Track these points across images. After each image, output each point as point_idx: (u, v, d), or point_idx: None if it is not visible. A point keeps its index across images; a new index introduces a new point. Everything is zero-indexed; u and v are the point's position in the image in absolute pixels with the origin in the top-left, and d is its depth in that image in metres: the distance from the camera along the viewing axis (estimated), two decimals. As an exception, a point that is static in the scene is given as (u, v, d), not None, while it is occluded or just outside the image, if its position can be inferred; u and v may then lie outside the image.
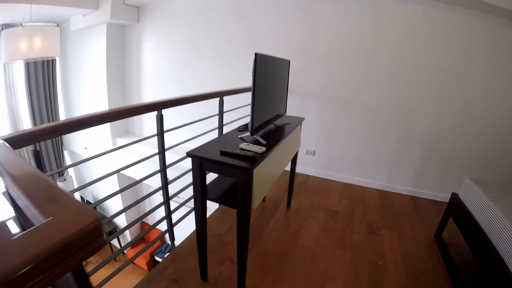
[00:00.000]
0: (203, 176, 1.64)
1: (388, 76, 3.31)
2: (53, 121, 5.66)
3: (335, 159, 3.77)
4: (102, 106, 5.06)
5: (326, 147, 3.78)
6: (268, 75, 1.91)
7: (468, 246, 2.12)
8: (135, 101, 5.17)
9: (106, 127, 5.20)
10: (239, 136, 1.91)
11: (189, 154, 1.57)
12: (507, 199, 2.06)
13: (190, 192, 1.89)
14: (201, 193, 1.67)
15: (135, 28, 4.73)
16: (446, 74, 3.13)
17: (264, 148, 1.63)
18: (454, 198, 2.50)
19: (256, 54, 1.57)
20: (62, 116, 6.01)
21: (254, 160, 1.49)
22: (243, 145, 1.66)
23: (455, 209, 2.46)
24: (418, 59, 3.18)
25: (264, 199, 3.17)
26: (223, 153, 1.56)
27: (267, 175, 1.78)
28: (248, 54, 3.74)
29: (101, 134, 5.29)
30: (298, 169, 3.79)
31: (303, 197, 3.31)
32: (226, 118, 2.86)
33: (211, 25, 4.09)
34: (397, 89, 3.32)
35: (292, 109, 3.60)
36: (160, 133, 1.99)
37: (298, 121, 2.60)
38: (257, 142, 1.77)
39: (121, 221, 6.08)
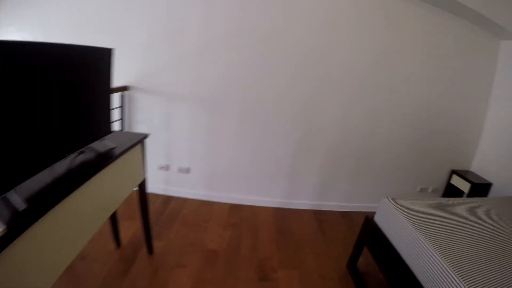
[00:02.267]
0: None
1: (286, 68, 2.54)
2: None
3: (218, 175, 2.87)
4: None
5: (204, 162, 2.85)
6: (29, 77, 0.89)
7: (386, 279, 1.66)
8: None
9: None
10: None
11: None
12: (433, 221, 1.62)
13: None
14: None
15: None
16: (356, 65, 2.55)
17: None
18: (369, 222, 1.91)
19: None
20: None
21: None
22: None
23: (370, 235, 1.90)
24: (325, 47, 2.49)
25: (119, 244, 2.10)
26: None
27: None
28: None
29: None
30: (172, 192, 2.89)
31: (174, 234, 2.32)
32: None
33: None
34: (298, 85, 2.58)
35: (154, 118, 2.71)
36: None
37: (135, 140, 1.63)
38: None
39: None
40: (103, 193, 1.34)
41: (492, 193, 2.91)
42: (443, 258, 1.28)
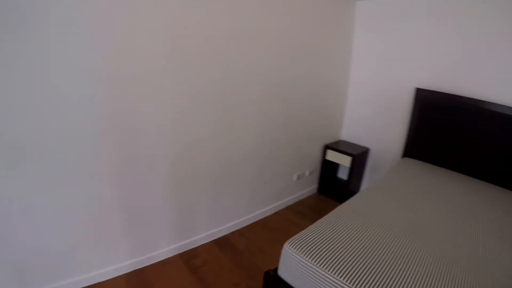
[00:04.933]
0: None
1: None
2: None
3: (29, 263, 1.49)
4: None
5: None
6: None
7: None
8: None
9: None
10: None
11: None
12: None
13: None
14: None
15: None
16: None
17: None
18: (268, 276, 1.37)
19: None
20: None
21: None
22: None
23: None
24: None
25: None
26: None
27: None
28: None
29: None
30: None
31: None
32: None
33: None
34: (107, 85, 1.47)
35: None
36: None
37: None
38: None
39: None
40: None
41: (370, 157, 3.07)
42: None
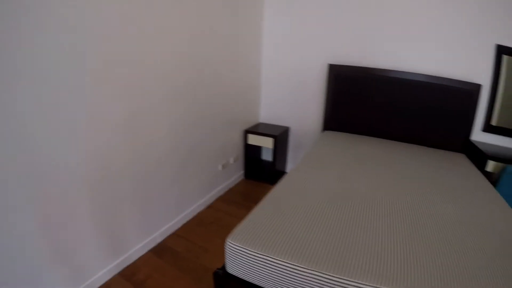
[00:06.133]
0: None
1: None
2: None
3: None
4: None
5: None
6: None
7: None
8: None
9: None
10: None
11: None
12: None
13: None
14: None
15: None
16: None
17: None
18: (218, 276, 1.32)
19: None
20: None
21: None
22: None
23: None
24: None
25: None
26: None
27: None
28: None
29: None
30: None
31: None
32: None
33: None
34: None
35: None
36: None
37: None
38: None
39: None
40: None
41: (292, 136, 3.29)
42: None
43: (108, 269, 1.81)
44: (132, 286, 1.77)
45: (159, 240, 2.18)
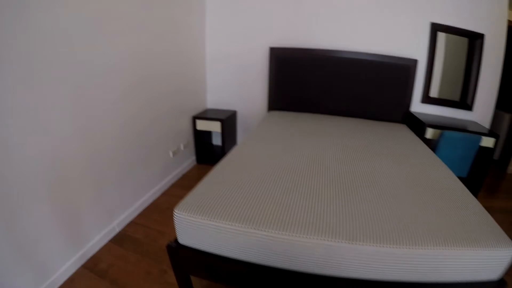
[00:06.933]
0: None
1: None
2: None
3: None
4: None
5: None
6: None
7: None
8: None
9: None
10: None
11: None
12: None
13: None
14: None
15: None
16: None
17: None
18: (171, 248, 1.44)
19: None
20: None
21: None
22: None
23: (187, 262, 1.44)
24: None
25: None
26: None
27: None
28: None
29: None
30: None
31: None
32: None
33: None
34: None
35: None
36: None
37: None
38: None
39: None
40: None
41: (240, 119, 3.50)
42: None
43: (72, 263, 1.89)
44: (96, 276, 1.88)
45: (118, 229, 2.28)
